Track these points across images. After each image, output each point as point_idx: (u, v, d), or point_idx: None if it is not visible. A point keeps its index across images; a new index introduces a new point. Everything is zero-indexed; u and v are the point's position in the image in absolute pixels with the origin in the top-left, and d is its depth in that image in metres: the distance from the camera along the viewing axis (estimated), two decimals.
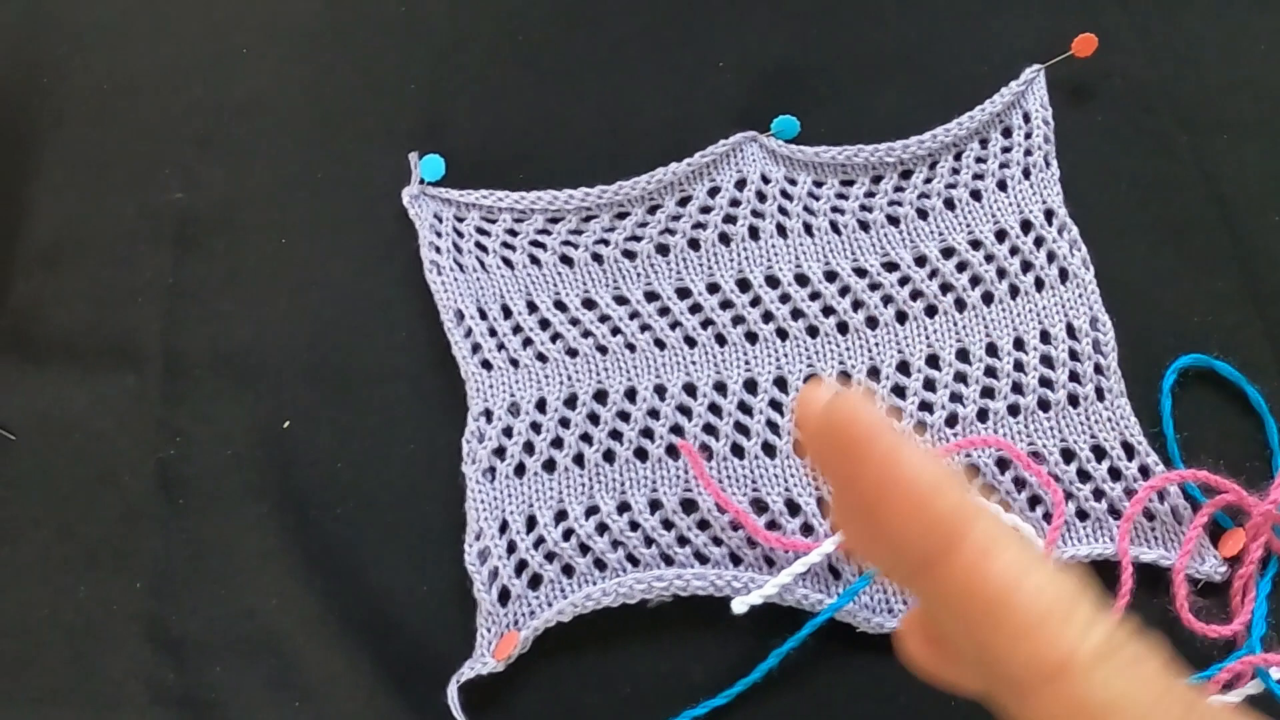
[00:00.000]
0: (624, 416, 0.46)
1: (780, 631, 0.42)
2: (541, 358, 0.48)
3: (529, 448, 0.46)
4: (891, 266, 0.48)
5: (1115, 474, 0.44)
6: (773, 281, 0.48)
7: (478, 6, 0.56)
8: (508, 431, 0.46)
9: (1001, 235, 0.48)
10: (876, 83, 0.52)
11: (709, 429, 0.46)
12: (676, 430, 0.46)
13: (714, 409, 0.46)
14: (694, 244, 0.49)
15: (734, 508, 0.44)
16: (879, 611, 0.43)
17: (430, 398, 0.48)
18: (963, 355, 0.47)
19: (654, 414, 0.46)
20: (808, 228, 0.49)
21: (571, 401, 0.47)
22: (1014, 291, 0.47)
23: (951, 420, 0.46)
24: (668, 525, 0.45)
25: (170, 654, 0.45)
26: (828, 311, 0.48)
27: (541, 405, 0.47)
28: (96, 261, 0.52)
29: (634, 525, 0.45)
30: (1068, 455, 0.45)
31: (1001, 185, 0.49)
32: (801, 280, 0.48)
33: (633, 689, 0.43)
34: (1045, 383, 0.46)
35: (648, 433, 0.46)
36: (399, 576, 0.45)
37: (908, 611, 0.40)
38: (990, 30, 0.53)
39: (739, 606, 0.40)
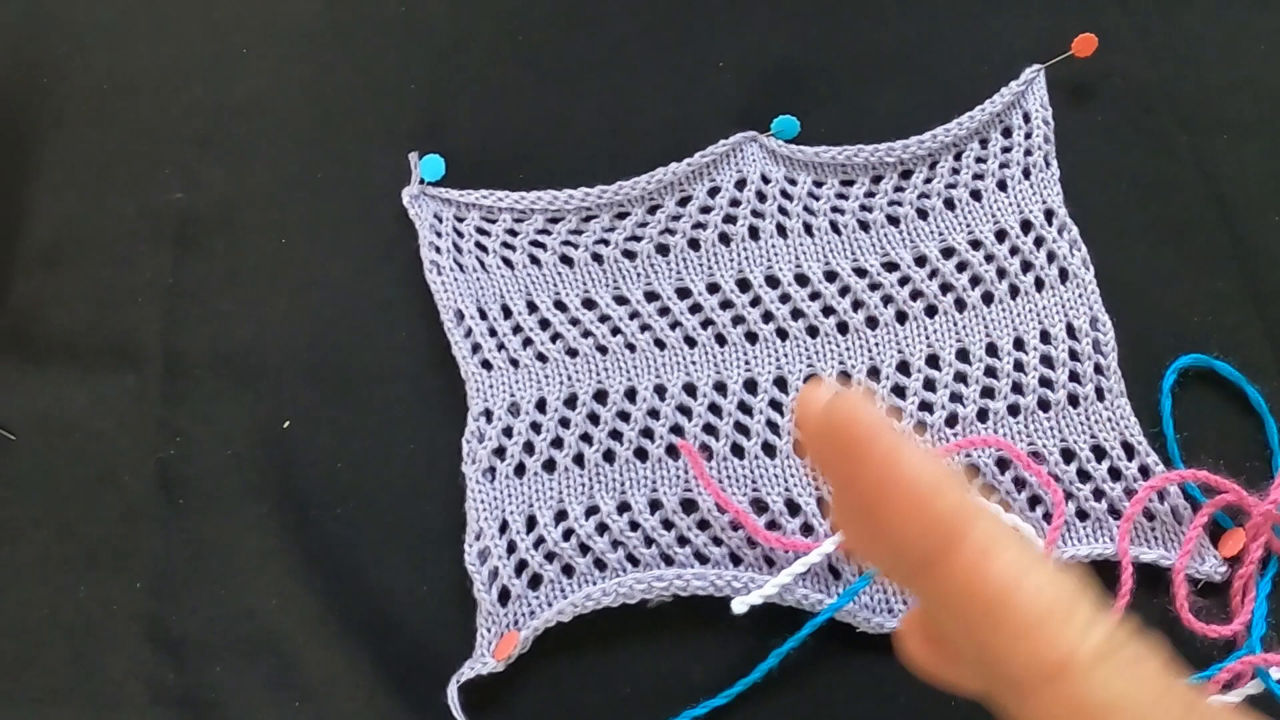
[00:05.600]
0: (624, 416, 0.46)
1: (780, 631, 0.42)
2: (541, 358, 0.48)
3: (529, 448, 0.46)
4: (891, 266, 0.48)
5: (1115, 474, 0.44)
6: (773, 281, 0.48)
7: (478, 6, 0.56)
8: (508, 431, 0.46)
9: (1001, 235, 0.48)
10: (876, 83, 0.52)
11: (709, 429, 0.46)
12: (676, 430, 0.46)
13: (714, 409, 0.46)
14: (694, 244, 0.49)
15: (734, 508, 0.44)
16: (879, 611, 0.43)
17: (430, 398, 0.48)
18: (963, 355, 0.47)
19: (654, 414, 0.46)
20: (808, 228, 0.49)
21: (571, 401, 0.47)
22: (1014, 291, 0.47)
23: (951, 420, 0.46)
24: (668, 525, 0.45)
25: (170, 654, 0.45)
26: (828, 311, 0.48)
27: (541, 405, 0.47)
28: (96, 261, 0.52)
29: (634, 525, 0.45)
30: (1068, 455, 0.45)
31: (1001, 185, 0.49)
32: (801, 280, 0.48)
33: (633, 689, 0.43)
34: (1045, 383, 0.46)
35: (648, 433, 0.46)
36: (399, 576, 0.45)
37: (908, 611, 0.40)
38: (990, 30, 0.53)
39: (739, 606, 0.40)
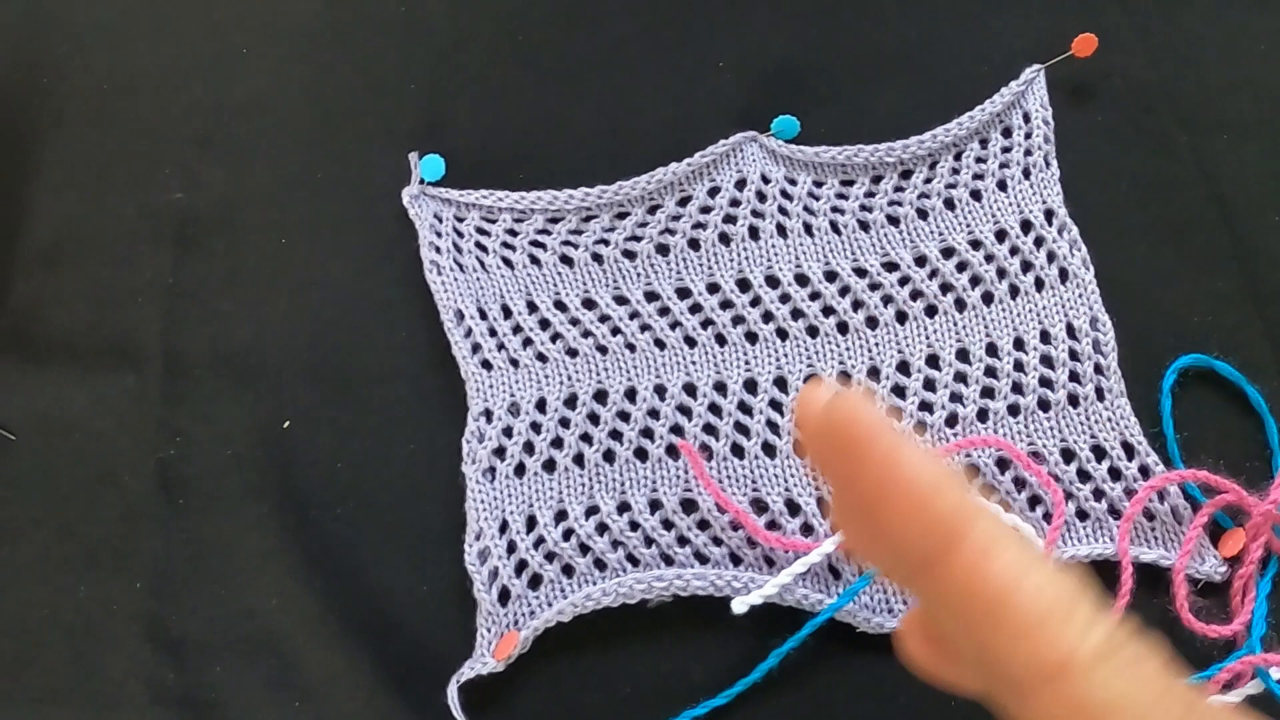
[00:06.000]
0: (624, 416, 0.46)
1: (780, 631, 0.42)
2: (541, 358, 0.48)
3: (529, 448, 0.46)
4: (891, 266, 0.48)
5: (1115, 474, 0.44)
6: (773, 281, 0.48)
7: (478, 6, 0.56)
8: (508, 431, 0.46)
9: (1001, 235, 0.48)
10: (876, 83, 0.52)
11: (709, 429, 0.46)
12: (676, 430, 0.46)
13: (714, 409, 0.46)
14: (694, 244, 0.49)
15: (734, 508, 0.44)
16: (879, 611, 0.43)
17: (430, 398, 0.48)
18: (963, 355, 0.47)
19: (654, 414, 0.46)
20: (808, 228, 0.49)
21: (571, 401, 0.47)
22: (1014, 291, 0.47)
23: (951, 420, 0.46)
24: (668, 525, 0.45)
25: (170, 654, 0.45)
26: (828, 311, 0.48)
27: (541, 405, 0.47)
28: (96, 261, 0.52)
29: (634, 525, 0.45)
30: (1068, 455, 0.45)
31: (1001, 185, 0.49)
32: (801, 280, 0.48)
33: (633, 689, 0.43)
34: (1045, 383, 0.46)
35: (648, 433, 0.46)
36: (399, 576, 0.45)
37: (908, 611, 0.40)
38: (990, 30, 0.53)
39: (739, 606, 0.40)
